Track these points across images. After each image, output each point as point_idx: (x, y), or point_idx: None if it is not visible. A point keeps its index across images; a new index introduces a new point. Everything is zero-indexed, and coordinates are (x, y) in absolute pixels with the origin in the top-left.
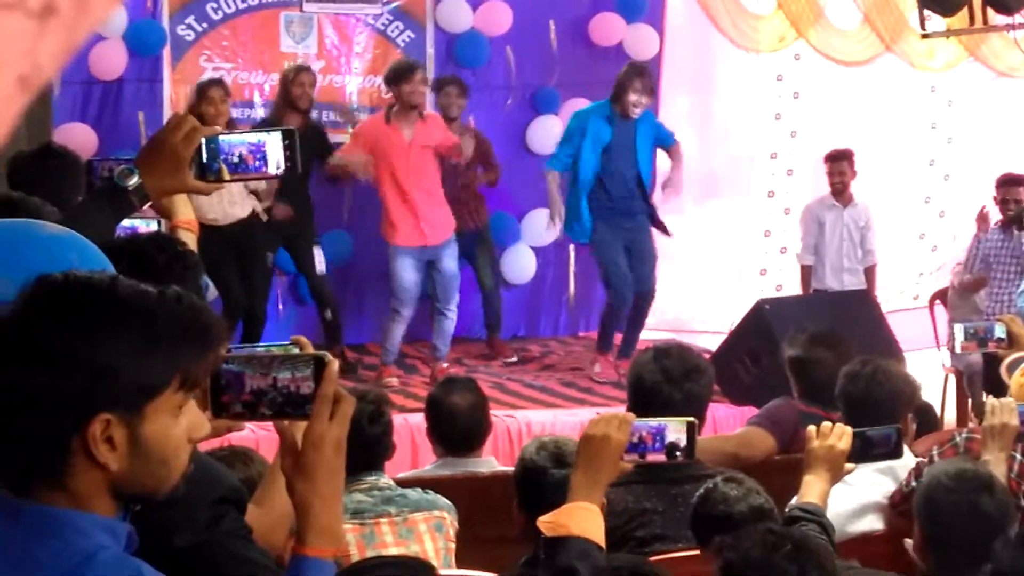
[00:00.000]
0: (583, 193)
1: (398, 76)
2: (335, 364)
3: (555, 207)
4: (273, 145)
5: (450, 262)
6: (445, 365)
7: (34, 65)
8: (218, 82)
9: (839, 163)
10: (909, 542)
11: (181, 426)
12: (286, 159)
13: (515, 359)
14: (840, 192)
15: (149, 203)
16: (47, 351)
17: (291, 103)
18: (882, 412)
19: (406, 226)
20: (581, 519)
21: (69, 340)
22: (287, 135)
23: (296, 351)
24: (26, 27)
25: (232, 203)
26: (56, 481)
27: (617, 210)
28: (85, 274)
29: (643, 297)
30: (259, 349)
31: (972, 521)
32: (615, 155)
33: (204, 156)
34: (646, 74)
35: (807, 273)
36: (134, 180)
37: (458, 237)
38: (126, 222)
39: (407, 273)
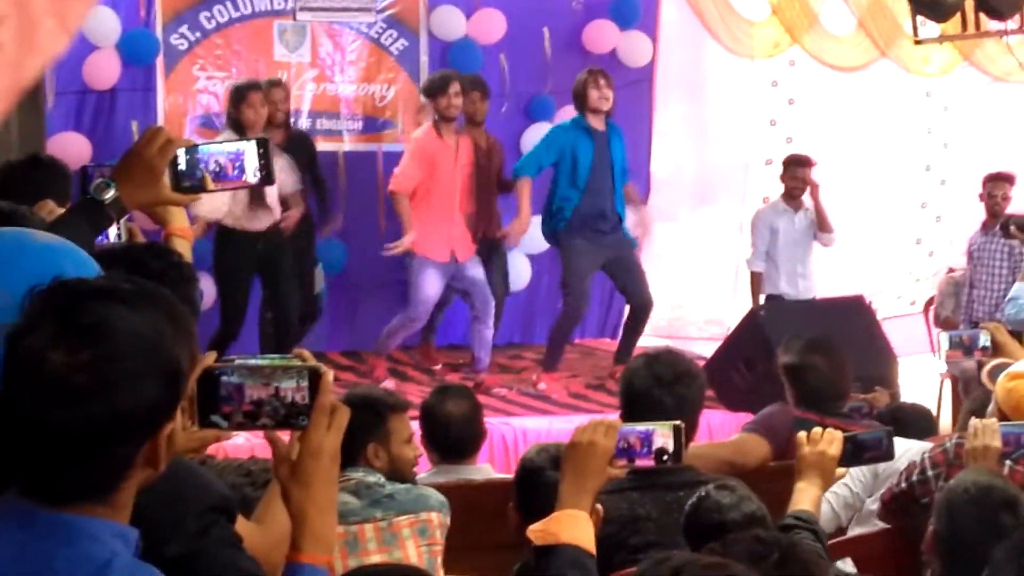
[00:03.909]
0: (559, 206)
1: (433, 91)
2: (330, 375)
3: (522, 217)
4: (250, 154)
5: (477, 270)
6: (482, 377)
7: None
8: (256, 86)
9: (804, 168)
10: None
11: None
12: (260, 168)
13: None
14: (796, 197)
15: (146, 212)
16: (129, 371)
17: (267, 120)
18: None
19: (440, 240)
20: (571, 526)
21: (147, 352)
22: (261, 144)
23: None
24: None
25: (265, 210)
26: (104, 494)
27: (598, 228)
28: (109, 279)
29: (642, 309)
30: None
31: (988, 536)
32: (597, 171)
33: (183, 166)
34: (601, 73)
35: (757, 280)
36: (110, 193)
37: (480, 243)
38: None
39: (431, 286)
